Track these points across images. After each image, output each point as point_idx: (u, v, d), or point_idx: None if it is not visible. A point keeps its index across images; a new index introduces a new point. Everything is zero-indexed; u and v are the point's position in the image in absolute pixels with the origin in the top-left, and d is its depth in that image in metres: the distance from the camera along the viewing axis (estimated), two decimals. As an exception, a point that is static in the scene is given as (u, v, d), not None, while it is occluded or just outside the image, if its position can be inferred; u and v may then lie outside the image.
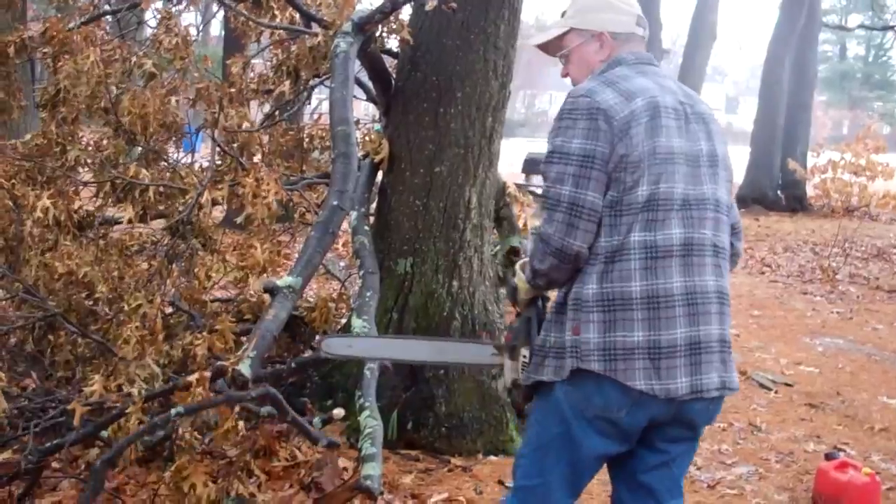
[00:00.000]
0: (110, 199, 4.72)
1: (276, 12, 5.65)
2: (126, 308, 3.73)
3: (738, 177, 21.55)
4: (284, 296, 3.38)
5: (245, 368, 3.05)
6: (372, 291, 4.54)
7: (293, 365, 4.32)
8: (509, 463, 4.75)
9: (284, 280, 3.42)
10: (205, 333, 3.84)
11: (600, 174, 2.53)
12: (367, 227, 4.99)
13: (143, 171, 4.49)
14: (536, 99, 67.35)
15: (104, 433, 3.62)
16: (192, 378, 3.21)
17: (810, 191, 19.20)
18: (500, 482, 4.62)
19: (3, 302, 4.29)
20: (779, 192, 20.38)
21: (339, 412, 3.75)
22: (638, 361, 2.49)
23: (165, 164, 4.93)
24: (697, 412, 2.61)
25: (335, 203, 3.65)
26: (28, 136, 4.85)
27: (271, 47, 5.71)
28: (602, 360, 2.50)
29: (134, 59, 4.82)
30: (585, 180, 2.54)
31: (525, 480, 2.76)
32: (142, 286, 3.95)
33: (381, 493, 3.63)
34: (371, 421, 3.82)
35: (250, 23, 5.61)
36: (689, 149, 2.61)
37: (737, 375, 2.69)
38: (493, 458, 4.93)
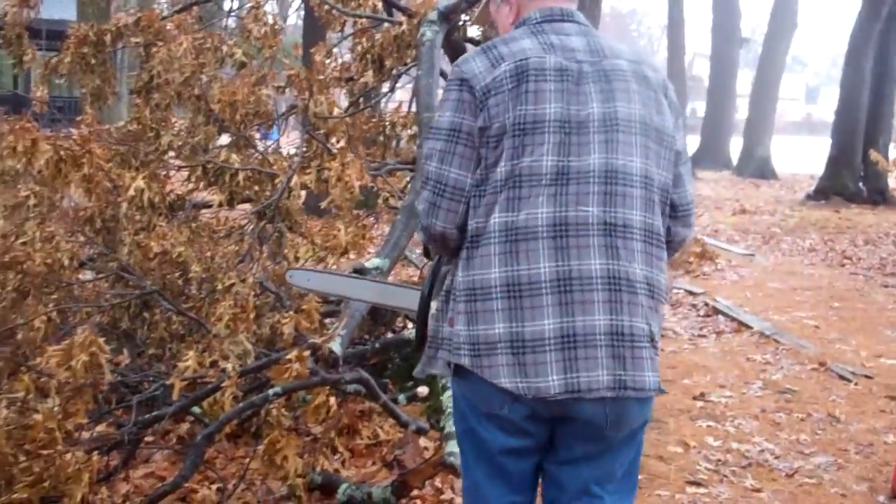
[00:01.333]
0: (202, 183, 4.87)
1: (360, 0, 5.75)
2: (220, 287, 3.85)
3: (818, 168, 21.22)
4: (372, 277, 3.47)
5: (336, 346, 3.14)
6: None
7: (376, 346, 4.42)
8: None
9: (373, 262, 3.51)
10: (291, 313, 3.94)
11: (466, 149, 2.27)
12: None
13: (233, 156, 4.61)
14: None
15: (195, 409, 3.76)
16: (291, 355, 3.30)
17: (893, 183, 18.81)
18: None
19: (98, 280, 4.44)
20: (860, 184, 19.93)
21: (423, 390, 3.84)
22: (501, 356, 2.19)
23: (254, 150, 5.06)
24: (593, 415, 2.23)
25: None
26: (122, 122, 5.02)
27: (353, 36, 5.81)
28: (469, 356, 2.23)
29: (224, 47, 4.95)
30: (450, 156, 2.30)
31: (463, 481, 2.53)
32: (233, 267, 4.06)
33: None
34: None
35: (334, 11, 5.72)
36: (571, 114, 2.24)
37: (653, 375, 2.24)
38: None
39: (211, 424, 3.49)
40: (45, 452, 2.84)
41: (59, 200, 4.35)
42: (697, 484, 4.30)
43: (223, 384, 3.35)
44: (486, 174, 2.24)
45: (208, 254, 4.07)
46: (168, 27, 4.84)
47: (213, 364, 3.43)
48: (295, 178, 4.23)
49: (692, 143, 23.21)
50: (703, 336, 7.47)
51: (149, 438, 4.22)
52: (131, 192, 4.16)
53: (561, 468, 2.36)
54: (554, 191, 2.20)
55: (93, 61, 4.73)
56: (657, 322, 2.27)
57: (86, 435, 3.34)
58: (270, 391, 3.28)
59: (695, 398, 5.63)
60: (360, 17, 5.60)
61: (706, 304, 8.48)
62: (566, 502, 2.38)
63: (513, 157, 2.21)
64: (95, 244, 4.35)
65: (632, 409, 2.26)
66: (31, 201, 4.40)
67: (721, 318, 7.99)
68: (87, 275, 4.57)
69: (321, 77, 4.66)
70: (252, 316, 3.62)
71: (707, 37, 28.92)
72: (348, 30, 6.10)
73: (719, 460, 4.62)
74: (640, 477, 4.25)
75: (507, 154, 2.22)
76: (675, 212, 2.39)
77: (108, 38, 4.74)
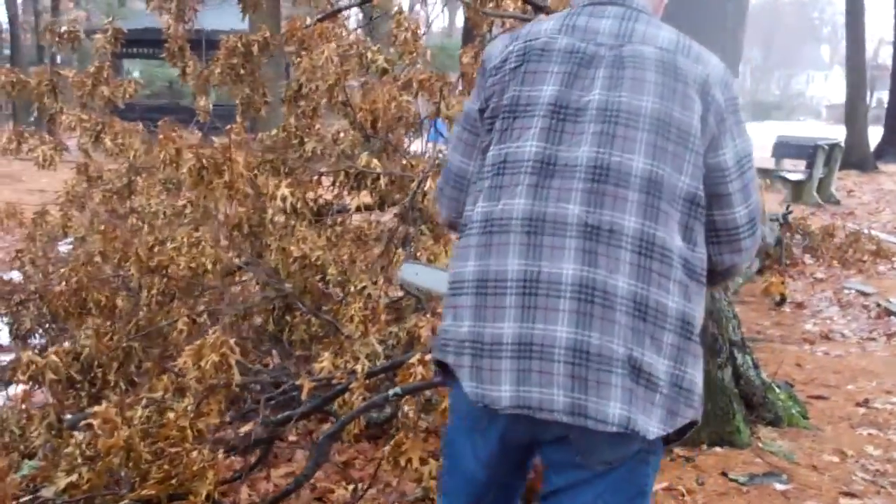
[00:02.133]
0: (346, 189, 4.97)
1: (509, 1, 5.72)
2: (352, 289, 3.91)
3: None
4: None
5: None
6: None
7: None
8: (734, 455, 4.69)
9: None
10: (428, 316, 3.96)
11: (469, 135, 2.18)
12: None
13: (374, 161, 4.68)
14: (792, 80, 64.42)
15: (333, 408, 3.83)
16: (413, 359, 3.32)
17: None
18: (724, 474, 4.50)
19: (248, 284, 4.60)
20: None
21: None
22: (465, 357, 2.00)
23: (400, 154, 5.12)
24: (559, 439, 1.99)
25: None
26: (274, 130, 5.18)
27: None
28: (442, 352, 2.08)
29: (369, 54, 5.03)
30: (457, 142, 2.22)
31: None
32: (369, 269, 4.12)
33: None
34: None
35: (480, 13, 5.72)
36: (570, 99, 2.01)
37: (622, 407, 1.90)
38: (717, 449, 4.81)
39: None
40: (173, 450, 2.95)
41: (214, 208, 4.53)
42: (852, 495, 4.07)
43: (351, 385, 3.40)
44: (482, 161, 2.09)
45: (346, 257, 4.13)
46: (313, 35, 4.96)
47: (345, 365, 3.49)
48: (429, 182, 4.25)
49: (875, 135, 21.96)
50: (873, 339, 7.08)
51: (293, 438, 4.35)
52: (277, 201, 4.28)
53: (547, 500, 2.13)
54: (535, 181, 1.98)
55: (241, 71, 4.90)
56: (651, 350, 1.92)
57: (222, 435, 3.46)
58: (390, 392, 3.30)
59: (857, 405, 5.34)
60: (505, 16, 5.57)
61: (878, 305, 8.02)
62: None
63: (500, 141, 2.05)
64: (243, 250, 4.50)
65: (600, 442, 1.96)
66: (188, 209, 4.61)
67: (894, 319, 7.54)
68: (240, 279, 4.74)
69: (452, 80, 4.67)
70: (383, 318, 3.66)
71: (891, 23, 27.43)
72: (498, 31, 6.10)
73: (878, 471, 4.35)
74: (789, 486, 4.09)
75: (496, 137, 2.06)
76: (718, 236, 2.09)
77: (255, 48, 4.89)
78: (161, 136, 3.88)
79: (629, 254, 1.93)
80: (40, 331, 4.96)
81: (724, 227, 2.09)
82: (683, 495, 4.21)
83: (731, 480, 4.41)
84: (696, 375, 2.01)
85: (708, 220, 2.05)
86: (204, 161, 3.78)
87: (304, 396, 3.35)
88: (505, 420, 2.02)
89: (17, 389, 4.14)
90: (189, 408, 3.18)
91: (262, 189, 4.33)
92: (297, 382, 3.39)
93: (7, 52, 28.47)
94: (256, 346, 4.50)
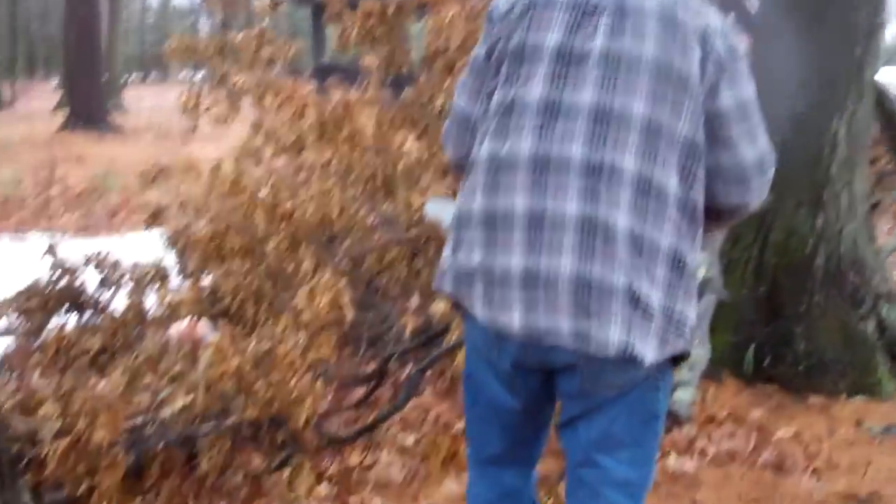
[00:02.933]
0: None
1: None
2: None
3: None
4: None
5: None
6: None
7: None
8: (874, 405, 4.62)
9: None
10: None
11: (475, 81, 2.27)
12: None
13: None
14: None
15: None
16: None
17: None
18: (858, 423, 4.45)
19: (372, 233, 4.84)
20: None
21: None
22: (477, 287, 2.14)
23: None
24: (568, 366, 2.11)
25: None
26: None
27: None
28: (452, 283, 2.22)
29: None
30: (463, 87, 2.32)
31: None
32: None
33: (689, 418, 3.70)
34: (698, 350, 3.90)
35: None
36: (573, 46, 2.10)
37: (622, 335, 2.02)
38: (857, 398, 4.74)
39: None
40: (277, 378, 3.24)
41: (359, 161, 4.80)
42: None
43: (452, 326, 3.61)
44: (487, 104, 2.20)
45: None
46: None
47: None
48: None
49: None
50: None
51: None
52: (405, 150, 4.52)
53: (564, 434, 2.26)
54: (541, 123, 2.08)
55: (377, 33, 5.13)
56: (647, 282, 2.04)
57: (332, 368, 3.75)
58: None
59: None
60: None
61: None
62: (572, 477, 2.28)
63: (506, 85, 2.14)
64: (374, 201, 4.76)
65: (605, 369, 2.09)
66: (334, 160, 4.89)
67: None
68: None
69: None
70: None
71: None
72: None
73: None
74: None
75: (502, 81, 2.16)
76: (727, 177, 2.16)
77: (390, 10, 5.11)
78: (283, 93, 4.15)
79: (628, 192, 2.04)
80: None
81: (731, 168, 2.16)
82: (809, 444, 4.21)
83: (865, 430, 4.36)
84: (686, 310, 2.11)
85: (714, 163, 2.14)
86: (326, 116, 4.05)
87: (407, 334, 3.58)
88: (515, 348, 2.15)
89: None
90: (301, 342, 3.46)
91: (390, 143, 4.57)
92: (402, 321, 3.62)
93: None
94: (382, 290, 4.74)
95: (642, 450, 2.25)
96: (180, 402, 3.18)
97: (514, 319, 2.09)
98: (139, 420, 3.25)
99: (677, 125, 2.07)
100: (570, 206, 2.05)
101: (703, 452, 4.08)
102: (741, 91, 2.14)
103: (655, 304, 2.05)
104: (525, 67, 2.13)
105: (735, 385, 4.82)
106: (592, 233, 2.03)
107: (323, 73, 10.76)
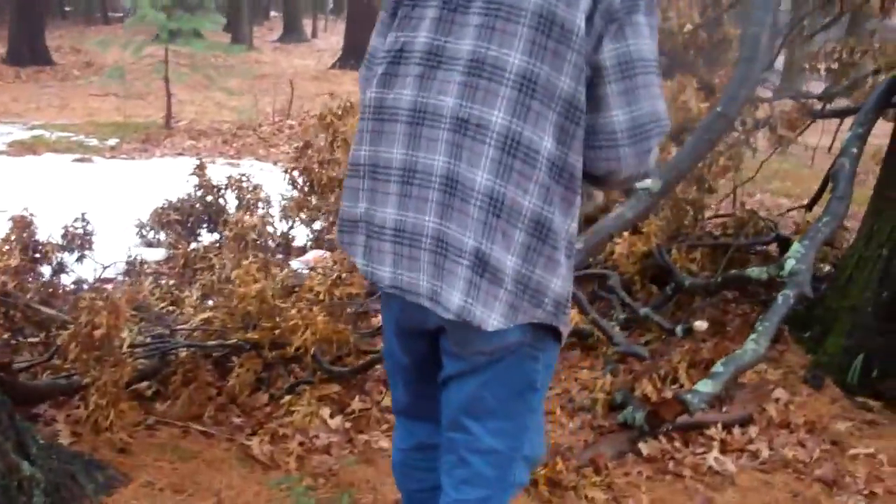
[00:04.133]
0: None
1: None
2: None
3: None
4: (638, 197, 3.39)
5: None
6: (830, 217, 4.22)
7: (719, 280, 4.24)
8: None
9: (644, 182, 3.39)
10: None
11: (386, 16, 2.14)
12: (855, 150, 4.56)
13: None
14: None
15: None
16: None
17: None
18: (958, 455, 4.04)
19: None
20: None
21: (700, 324, 3.65)
22: (360, 236, 2.11)
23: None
24: (440, 327, 2.07)
25: (718, 109, 3.49)
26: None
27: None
28: (339, 231, 2.18)
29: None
30: (378, 24, 2.17)
31: None
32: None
33: (700, 410, 3.47)
34: (750, 344, 3.68)
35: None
36: None
37: (463, 298, 1.95)
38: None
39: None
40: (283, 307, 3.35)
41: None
42: None
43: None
44: (383, 45, 2.12)
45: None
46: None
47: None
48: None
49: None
50: None
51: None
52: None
53: (440, 394, 2.22)
54: (422, 72, 2.00)
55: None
56: (501, 246, 1.95)
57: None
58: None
59: None
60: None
61: None
62: (444, 439, 2.24)
63: (398, 28, 2.06)
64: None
65: (471, 333, 2.02)
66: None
67: None
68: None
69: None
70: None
71: None
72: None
73: None
74: None
75: (395, 24, 2.07)
76: (597, 140, 1.98)
77: None
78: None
79: (492, 149, 1.93)
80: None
81: (602, 131, 1.97)
82: (880, 467, 3.89)
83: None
84: (548, 279, 2.00)
85: (588, 124, 1.97)
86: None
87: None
88: (398, 304, 2.13)
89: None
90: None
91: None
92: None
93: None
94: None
95: (513, 422, 2.18)
96: (199, 317, 3.35)
97: (385, 273, 2.07)
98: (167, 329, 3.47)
99: (557, 81, 1.92)
100: (438, 161, 1.98)
101: (754, 455, 3.85)
102: (628, 47, 1.93)
103: (508, 268, 1.96)
104: (416, 12, 2.04)
105: (833, 394, 4.47)
106: (452, 190, 1.97)
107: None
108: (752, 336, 3.61)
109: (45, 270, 4.70)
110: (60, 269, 4.80)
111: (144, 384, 3.62)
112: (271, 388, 3.65)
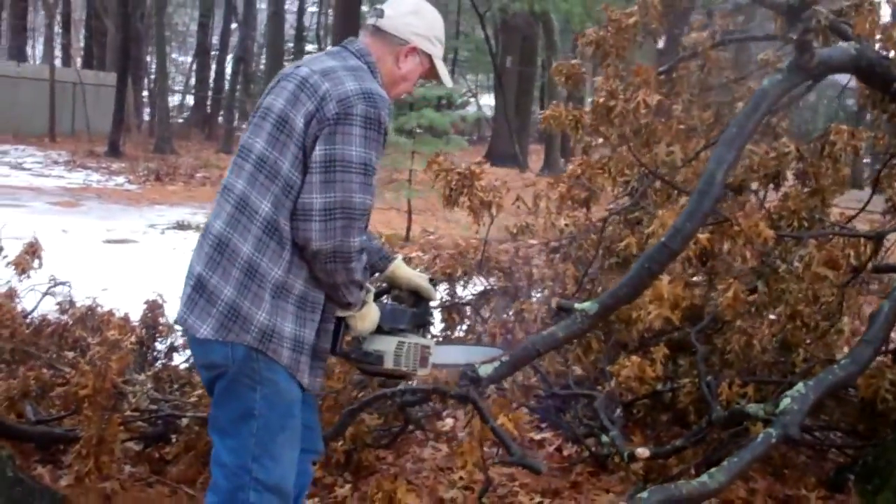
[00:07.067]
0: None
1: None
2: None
3: None
4: (574, 318, 3.48)
5: (483, 370, 3.32)
6: (851, 360, 3.94)
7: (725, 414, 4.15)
8: None
9: (583, 304, 3.51)
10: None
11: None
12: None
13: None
14: None
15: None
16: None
17: None
18: None
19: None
20: None
21: (642, 451, 3.61)
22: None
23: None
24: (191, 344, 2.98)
25: (663, 240, 3.51)
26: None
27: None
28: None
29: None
30: None
31: None
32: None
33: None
34: (703, 477, 3.58)
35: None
36: (266, 104, 2.84)
37: (186, 312, 2.77)
38: None
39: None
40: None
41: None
42: None
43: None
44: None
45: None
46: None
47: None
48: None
49: None
50: None
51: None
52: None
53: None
54: (236, 159, 2.85)
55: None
56: (220, 277, 2.72)
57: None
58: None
59: None
60: None
61: None
62: None
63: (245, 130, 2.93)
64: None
65: (193, 344, 2.88)
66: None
67: None
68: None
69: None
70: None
71: None
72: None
73: None
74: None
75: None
76: (297, 214, 2.71)
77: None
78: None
79: (231, 207, 2.78)
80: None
81: (302, 208, 2.70)
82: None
83: None
84: (255, 311, 2.72)
85: (297, 201, 2.71)
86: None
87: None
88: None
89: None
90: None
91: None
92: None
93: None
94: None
95: (238, 441, 2.74)
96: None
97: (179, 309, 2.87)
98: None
99: (282, 163, 2.73)
100: (216, 224, 2.82)
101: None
102: (334, 148, 2.70)
103: (224, 295, 2.72)
104: (253, 120, 2.91)
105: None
106: (215, 245, 2.78)
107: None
108: (712, 469, 3.48)
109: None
110: (172, 349, 5.42)
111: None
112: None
